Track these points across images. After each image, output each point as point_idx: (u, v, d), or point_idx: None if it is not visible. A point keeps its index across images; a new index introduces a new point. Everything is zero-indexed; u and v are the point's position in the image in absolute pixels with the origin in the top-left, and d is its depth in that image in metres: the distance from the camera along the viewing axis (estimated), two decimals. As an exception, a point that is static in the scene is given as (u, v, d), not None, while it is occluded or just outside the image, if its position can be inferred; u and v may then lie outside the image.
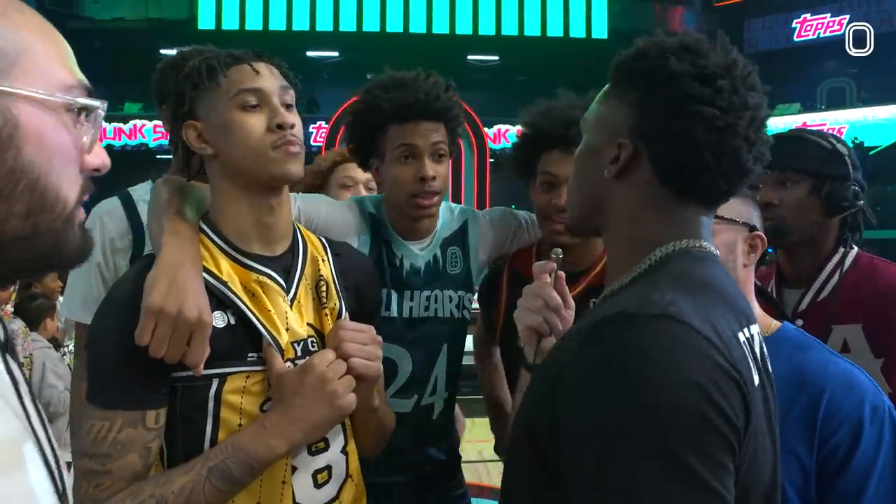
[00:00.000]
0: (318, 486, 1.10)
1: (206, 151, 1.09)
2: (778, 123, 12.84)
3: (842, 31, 15.78)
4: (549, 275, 1.11)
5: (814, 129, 1.72)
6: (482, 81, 14.94)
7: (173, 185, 1.17)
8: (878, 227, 1.82)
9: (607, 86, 0.92)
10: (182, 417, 1.03)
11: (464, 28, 15.15)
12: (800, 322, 1.56)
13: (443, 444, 1.62)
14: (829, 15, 16.12)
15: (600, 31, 15.60)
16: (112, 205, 1.53)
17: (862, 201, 1.62)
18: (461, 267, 1.64)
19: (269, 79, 1.10)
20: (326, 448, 1.11)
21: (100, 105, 0.62)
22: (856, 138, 14.58)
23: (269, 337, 1.06)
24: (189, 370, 1.01)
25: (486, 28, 15.26)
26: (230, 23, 14.84)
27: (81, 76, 0.62)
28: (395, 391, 1.52)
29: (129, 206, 1.52)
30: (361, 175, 1.99)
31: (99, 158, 0.63)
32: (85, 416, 1.00)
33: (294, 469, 1.06)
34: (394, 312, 1.55)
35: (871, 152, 14.03)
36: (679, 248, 0.83)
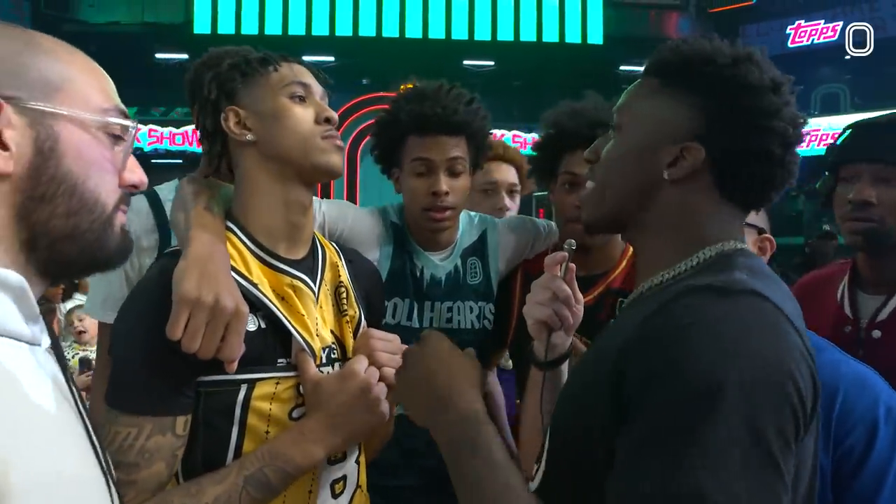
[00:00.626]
0: (335, 496, 1.09)
1: (246, 137, 1.07)
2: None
3: (836, 38, 15.91)
4: (560, 266, 1.08)
5: None
6: (478, 86, 14.94)
7: (201, 181, 1.16)
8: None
9: (651, 80, 0.90)
10: (205, 424, 0.98)
11: (460, 33, 15.17)
12: (877, 333, 1.40)
13: None
14: (822, 21, 16.20)
15: (596, 37, 15.62)
16: (139, 204, 1.48)
17: None
18: (481, 277, 1.63)
19: (314, 79, 1.13)
20: (344, 458, 1.10)
21: (131, 125, 0.72)
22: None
23: (302, 342, 1.03)
24: (217, 372, 0.97)
25: (482, 33, 15.28)
26: (226, 27, 14.84)
27: (118, 102, 0.73)
28: None
29: (156, 205, 1.46)
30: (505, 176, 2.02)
31: (136, 176, 0.73)
32: (108, 423, 0.93)
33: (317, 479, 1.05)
34: (415, 323, 1.54)
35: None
36: (729, 247, 0.83)
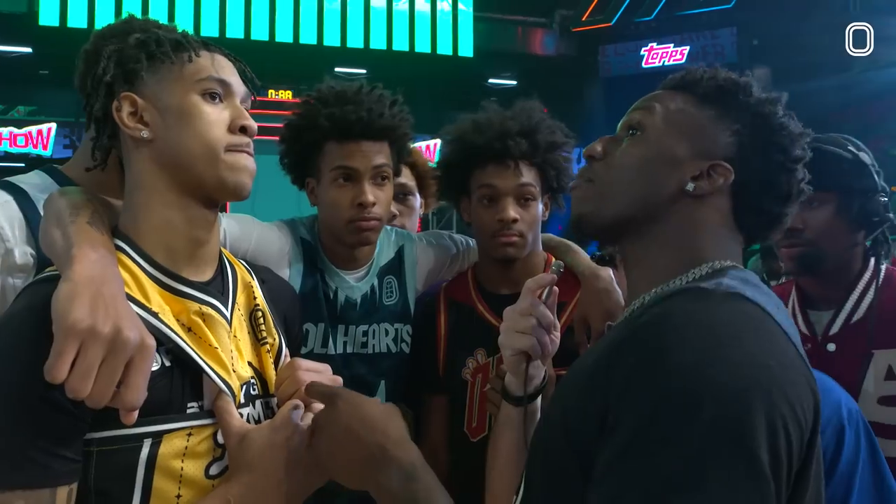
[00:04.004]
0: None
1: (141, 134, 0.90)
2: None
3: (683, 60, 17.25)
4: (542, 291, 1.00)
5: (829, 135, 1.50)
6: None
7: (76, 193, 0.95)
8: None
9: (686, 95, 0.89)
10: (97, 493, 0.79)
11: (332, 40, 15.00)
12: (832, 347, 1.47)
13: None
14: (672, 45, 17.53)
15: (466, 50, 15.99)
16: (2, 198, 1.09)
17: (892, 213, 1.48)
18: (397, 297, 1.52)
19: (236, 76, 0.98)
20: None
21: None
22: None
23: (219, 381, 0.86)
24: (111, 426, 0.78)
25: (355, 41, 15.20)
26: (77, 20, 13.79)
27: None
28: None
29: (26, 205, 1.09)
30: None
31: None
32: None
33: None
34: (331, 350, 1.42)
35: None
36: (726, 265, 0.82)
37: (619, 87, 15.16)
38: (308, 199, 1.52)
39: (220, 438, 0.88)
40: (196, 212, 0.92)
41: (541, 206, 1.50)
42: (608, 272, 1.43)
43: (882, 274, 1.49)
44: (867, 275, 1.49)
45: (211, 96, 0.93)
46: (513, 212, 1.43)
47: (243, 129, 0.93)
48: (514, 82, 17.60)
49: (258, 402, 0.95)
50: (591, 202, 0.88)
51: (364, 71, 15.64)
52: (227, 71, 0.96)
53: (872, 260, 1.52)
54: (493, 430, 1.04)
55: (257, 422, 0.93)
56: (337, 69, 15.60)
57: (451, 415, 1.52)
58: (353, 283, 1.48)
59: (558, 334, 1.02)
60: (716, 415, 0.60)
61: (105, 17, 13.93)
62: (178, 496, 0.82)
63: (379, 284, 1.50)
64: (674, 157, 0.85)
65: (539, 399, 1.02)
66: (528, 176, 1.45)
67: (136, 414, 0.77)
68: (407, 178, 1.90)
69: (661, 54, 17.80)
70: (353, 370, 1.45)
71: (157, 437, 0.82)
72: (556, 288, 1.00)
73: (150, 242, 0.90)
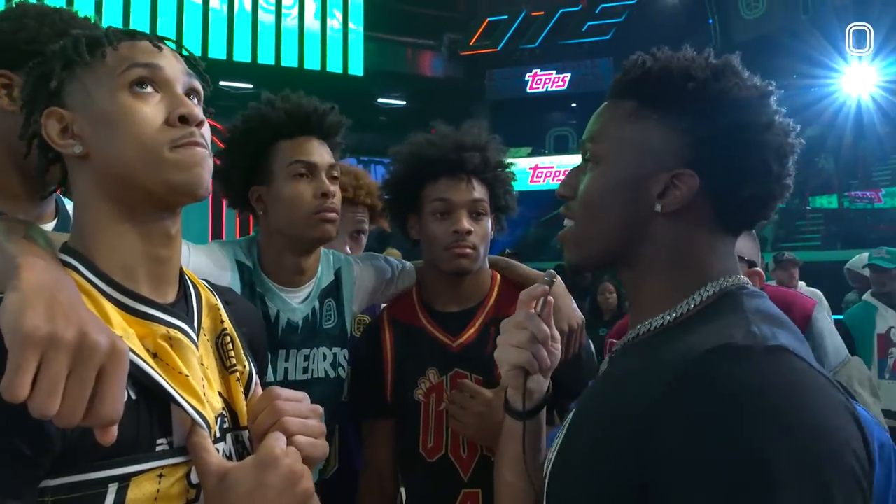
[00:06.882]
0: None
1: (74, 150, 0.78)
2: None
3: (565, 87, 18.09)
4: (536, 302, 0.94)
5: None
6: (233, 109, 14.39)
7: (10, 221, 0.83)
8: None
9: (626, 103, 0.80)
10: None
11: (217, 52, 14.57)
12: None
13: None
14: (554, 72, 18.37)
15: (356, 68, 16.01)
16: None
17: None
18: (335, 320, 1.48)
19: (171, 60, 0.83)
20: None
21: None
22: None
23: (194, 414, 0.75)
24: (71, 470, 0.67)
25: (242, 55, 14.84)
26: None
27: None
28: None
29: None
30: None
31: None
32: None
33: None
34: (270, 376, 1.31)
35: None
36: (731, 284, 0.76)
37: (504, 110, 15.69)
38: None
39: (193, 478, 0.76)
40: (153, 226, 0.81)
41: (490, 224, 1.51)
42: (558, 278, 1.47)
43: None
44: None
45: (139, 85, 0.79)
46: (467, 223, 1.43)
47: (183, 119, 0.79)
48: (404, 102, 17.79)
49: (228, 436, 0.85)
50: (575, 241, 0.84)
51: (251, 86, 15.28)
52: (153, 55, 0.81)
53: None
54: (500, 443, 1.00)
55: (229, 458, 0.83)
56: (222, 83, 15.15)
57: (404, 437, 1.49)
58: (296, 305, 1.42)
59: (558, 346, 0.97)
60: (798, 490, 0.56)
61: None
62: None
63: (319, 307, 1.46)
64: (634, 180, 0.77)
65: (543, 412, 0.99)
66: (480, 191, 1.47)
67: (115, 431, 0.65)
68: (364, 216, 1.90)
69: (545, 80, 18.60)
70: None
71: (125, 481, 0.70)
72: (551, 299, 0.95)
73: (104, 261, 0.78)
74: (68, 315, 0.63)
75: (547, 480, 0.79)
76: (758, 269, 1.24)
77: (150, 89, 0.79)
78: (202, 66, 0.87)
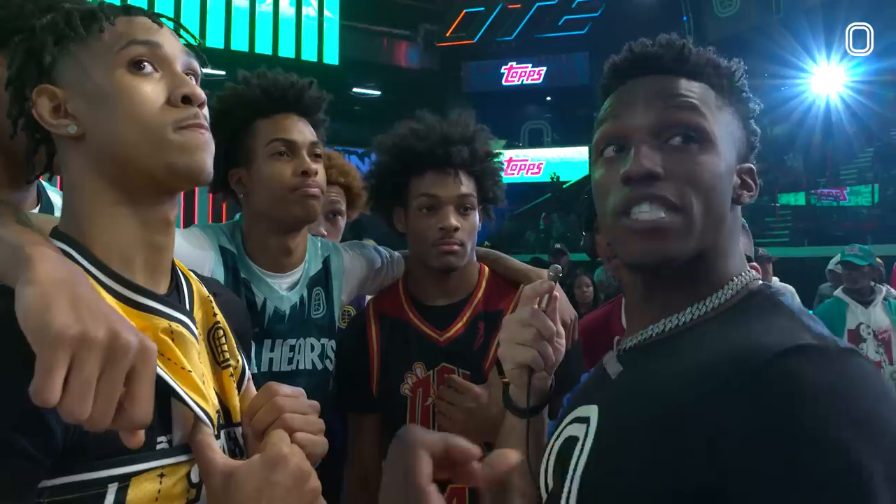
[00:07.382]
0: None
1: (68, 130, 0.74)
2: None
3: (540, 81, 18.15)
4: (541, 299, 0.91)
5: None
6: (209, 96, 14.18)
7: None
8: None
9: (701, 86, 0.75)
10: None
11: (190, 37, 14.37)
12: None
13: None
14: (530, 65, 18.40)
15: (332, 57, 15.88)
16: None
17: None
18: (324, 310, 1.43)
19: (169, 37, 0.79)
20: None
21: None
22: (554, 173, 16.80)
23: (199, 410, 0.73)
24: (71, 469, 0.64)
25: (215, 40, 14.62)
26: None
27: None
28: None
29: None
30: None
31: None
32: None
33: None
34: (253, 368, 1.25)
35: (565, 185, 16.25)
36: (751, 280, 0.75)
37: (480, 103, 15.69)
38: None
39: (194, 477, 0.74)
40: (151, 212, 0.77)
41: (477, 216, 1.48)
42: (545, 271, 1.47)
43: None
44: None
45: (137, 65, 0.75)
46: (454, 220, 1.40)
47: (186, 99, 0.75)
48: (379, 92, 17.69)
49: (222, 433, 0.82)
50: (682, 239, 0.71)
51: (224, 73, 15.03)
52: (153, 32, 0.78)
53: None
54: (499, 440, 0.97)
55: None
56: (194, 69, 14.94)
57: (391, 432, 1.45)
58: (283, 293, 1.37)
59: (563, 342, 0.94)
60: (893, 494, 0.55)
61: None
62: None
63: (308, 296, 1.41)
64: (730, 169, 0.74)
65: (546, 409, 0.97)
66: (468, 186, 1.43)
67: (143, 434, 0.63)
68: (339, 197, 1.86)
69: (521, 73, 18.63)
70: None
71: (125, 481, 0.68)
72: (556, 294, 0.91)
73: (101, 248, 0.75)
74: (94, 313, 0.60)
75: (578, 486, 0.72)
76: (754, 264, 1.24)
77: (149, 68, 0.76)
78: (201, 45, 0.85)
